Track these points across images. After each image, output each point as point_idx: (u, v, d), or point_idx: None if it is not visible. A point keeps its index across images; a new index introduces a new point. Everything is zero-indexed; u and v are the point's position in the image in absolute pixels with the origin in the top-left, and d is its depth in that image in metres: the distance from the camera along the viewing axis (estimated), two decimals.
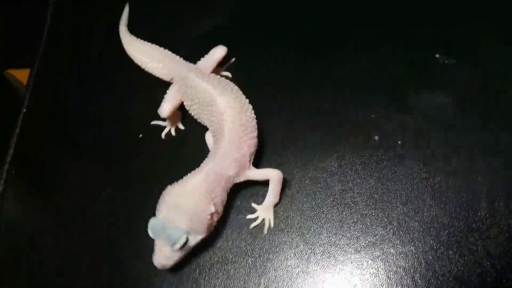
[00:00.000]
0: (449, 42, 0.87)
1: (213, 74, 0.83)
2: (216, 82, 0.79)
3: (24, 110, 0.98)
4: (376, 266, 0.70)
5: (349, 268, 0.71)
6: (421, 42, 0.88)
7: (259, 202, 0.77)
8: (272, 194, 0.76)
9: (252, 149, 0.75)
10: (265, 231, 0.75)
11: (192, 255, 0.74)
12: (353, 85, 0.86)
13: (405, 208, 0.74)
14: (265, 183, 0.76)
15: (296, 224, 0.75)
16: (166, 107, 0.83)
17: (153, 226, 0.68)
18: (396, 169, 0.77)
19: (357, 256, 0.71)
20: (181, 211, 0.68)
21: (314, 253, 0.73)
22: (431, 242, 0.71)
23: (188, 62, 0.87)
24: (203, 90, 0.78)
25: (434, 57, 0.86)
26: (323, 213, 0.75)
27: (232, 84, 0.80)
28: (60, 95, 0.98)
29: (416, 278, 0.69)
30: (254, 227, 0.76)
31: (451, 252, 0.70)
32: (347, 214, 0.75)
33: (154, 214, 0.71)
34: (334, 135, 0.82)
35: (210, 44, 0.88)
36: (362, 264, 0.71)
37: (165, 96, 0.85)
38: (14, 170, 0.91)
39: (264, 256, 0.74)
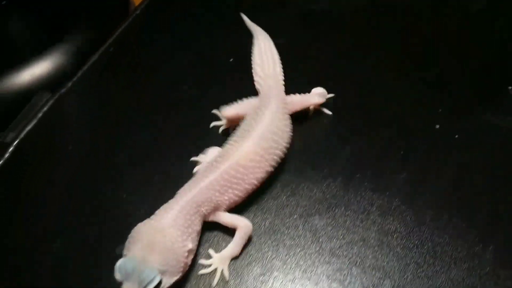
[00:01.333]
0: None
1: (280, 124, 0.76)
2: (266, 131, 0.74)
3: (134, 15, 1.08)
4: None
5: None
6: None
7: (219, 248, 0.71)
8: (235, 245, 0.69)
9: (234, 200, 0.72)
10: (215, 282, 0.67)
11: None
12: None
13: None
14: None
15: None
16: (230, 110, 0.82)
17: (123, 267, 0.61)
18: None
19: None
20: (155, 249, 0.62)
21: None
22: None
23: (283, 89, 0.82)
24: (251, 125, 0.75)
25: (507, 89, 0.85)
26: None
27: (275, 145, 0.74)
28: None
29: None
30: (202, 274, 0.68)
31: None
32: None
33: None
34: None
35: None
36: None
37: (240, 101, 0.82)
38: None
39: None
